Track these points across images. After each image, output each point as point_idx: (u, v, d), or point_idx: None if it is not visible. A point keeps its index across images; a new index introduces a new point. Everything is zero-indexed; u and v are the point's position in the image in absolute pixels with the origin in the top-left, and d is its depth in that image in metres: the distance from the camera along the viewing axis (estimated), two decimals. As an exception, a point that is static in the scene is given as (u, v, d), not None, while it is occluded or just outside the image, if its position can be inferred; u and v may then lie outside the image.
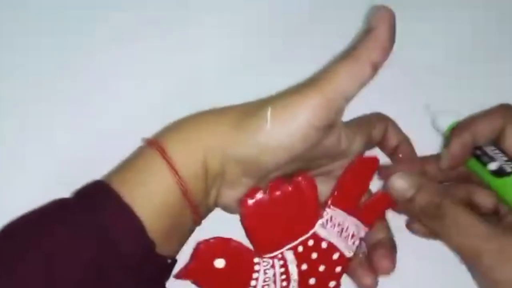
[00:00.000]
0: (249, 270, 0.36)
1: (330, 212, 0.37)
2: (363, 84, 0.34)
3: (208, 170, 0.34)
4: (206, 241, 0.35)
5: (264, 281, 0.36)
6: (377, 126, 0.39)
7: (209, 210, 0.37)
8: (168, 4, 0.44)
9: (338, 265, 0.37)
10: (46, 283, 0.30)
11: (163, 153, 0.33)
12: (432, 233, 0.38)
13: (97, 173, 0.34)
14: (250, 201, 0.35)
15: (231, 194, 0.36)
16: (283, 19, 0.45)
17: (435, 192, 0.36)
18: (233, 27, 0.44)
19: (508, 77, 0.45)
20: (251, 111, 0.35)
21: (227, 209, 0.37)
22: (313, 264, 0.37)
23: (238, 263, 0.36)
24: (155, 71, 0.43)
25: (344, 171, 0.38)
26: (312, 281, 0.37)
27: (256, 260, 0.36)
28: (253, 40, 0.44)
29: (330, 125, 0.35)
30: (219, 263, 0.36)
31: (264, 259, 0.36)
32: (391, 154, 0.40)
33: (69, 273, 0.30)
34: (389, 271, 0.38)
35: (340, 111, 0.35)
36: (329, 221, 0.37)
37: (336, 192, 0.37)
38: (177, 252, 0.36)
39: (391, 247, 0.38)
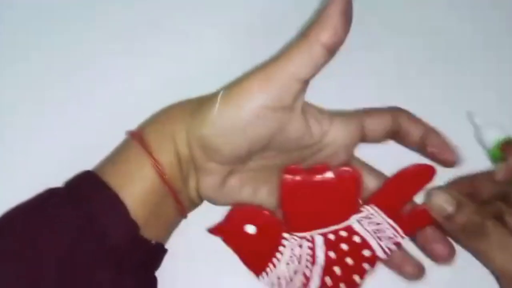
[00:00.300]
0: (277, 242, 0.38)
1: (369, 209, 0.37)
2: (316, 66, 0.33)
3: (180, 156, 0.36)
4: (242, 205, 0.37)
5: (290, 257, 0.37)
6: (372, 117, 0.37)
7: (193, 201, 0.38)
8: (167, 3, 0.45)
9: (367, 262, 0.37)
10: (32, 260, 0.32)
11: (141, 141, 0.35)
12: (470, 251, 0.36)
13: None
14: (289, 177, 0.36)
15: (206, 182, 0.36)
16: (284, 19, 0.44)
17: (475, 211, 0.35)
18: (232, 26, 0.44)
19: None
20: (209, 97, 0.35)
21: (209, 198, 0.38)
22: (341, 255, 0.37)
23: (268, 233, 0.37)
24: (155, 71, 0.44)
25: (395, 174, 0.37)
26: (337, 270, 0.37)
27: (285, 235, 0.37)
28: (253, 40, 0.44)
29: (286, 107, 0.34)
30: (250, 228, 0.37)
31: (294, 237, 0.37)
32: (420, 148, 0.38)
33: (53, 252, 0.33)
34: (451, 258, 0.37)
35: (295, 93, 0.34)
36: (366, 218, 0.37)
37: (380, 192, 0.37)
38: (162, 240, 0.37)
39: (440, 235, 0.37)
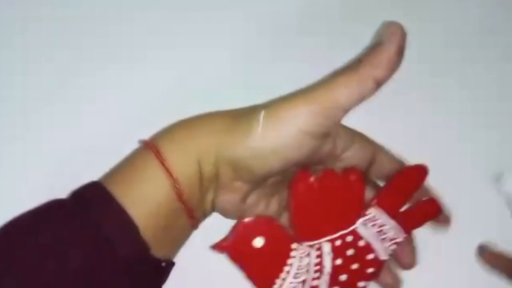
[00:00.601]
0: (286, 254, 0.36)
1: (373, 211, 0.37)
2: (363, 98, 0.33)
3: (203, 173, 0.34)
4: (250, 219, 0.35)
5: (298, 268, 0.36)
6: (384, 152, 0.38)
7: (205, 214, 0.36)
8: (165, 6, 0.45)
9: (371, 266, 0.37)
10: (39, 285, 0.30)
11: (157, 155, 0.33)
12: None
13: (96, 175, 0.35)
14: (301, 185, 0.35)
15: (226, 198, 0.35)
16: (285, 20, 0.45)
17: None
18: (234, 28, 0.45)
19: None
20: (244, 113, 0.34)
21: (223, 213, 0.36)
22: (347, 261, 0.37)
23: (277, 245, 0.36)
24: (151, 74, 0.44)
25: (395, 174, 0.37)
26: (343, 277, 0.37)
27: (293, 246, 0.36)
28: (254, 41, 0.45)
29: (326, 133, 0.34)
30: (258, 242, 0.35)
31: (302, 247, 0.36)
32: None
33: (62, 274, 0.30)
34: (412, 266, 0.38)
35: (336, 121, 0.34)
36: (370, 221, 0.37)
37: (383, 193, 0.37)
38: (173, 255, 0.35)
39: (411, 244, 0.38)
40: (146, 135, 0.36)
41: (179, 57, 0.43)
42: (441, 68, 0.45)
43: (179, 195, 0.33)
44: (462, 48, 0.46)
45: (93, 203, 0.32)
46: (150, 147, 0.33)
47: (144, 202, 0.33)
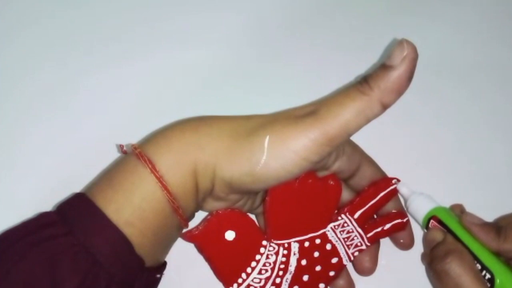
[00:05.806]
0: (255, 250, 0.36)
1: (344, 218, 0.37)
2: (369, 122, 0.33)
3: (199, 188, 0.34)
4: (224, 210, 0.35)
5: (264, 265, 0.36)
6: (370, 164, 0.38)
7: (194, 215, 0.36)
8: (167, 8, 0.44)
9: (333, 269, 0.38)
10: None
11: (153, 169, 0.32)
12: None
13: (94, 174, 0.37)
14: (280, 184, 0.35)
15: (217, 205, 0.35)
16: (282, 20, 0.45)
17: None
18: (226, 28, 0.44)
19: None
20: (246, 135, 0.33)
21: (207, 212, 0.36)
22: (312, 262, 0.37)
23: (247, 240, 0.36)
24: (153, 77, 0.43)
25: (369, 185, 0.38)
26: (305, 278, 0.37)
27: (264, 242, 0.36)
28: (245, 41, 0.44)
29: (326, 157, 0.34)
30: (230, 235, 0.35)
31: (272, 244, 0.36)
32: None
33: None
34: (370, 273, 0.38)
35: (339, 145, 0.33)
36: (340, 226, 0.37)
37: (356, 202, 0.38)
38: (165, 256, 0.35)
39: (374, 252, 0.39)
40: (138, 136, 0.37)
41: (170, 58, 0.43)
42: (441, 69, 0.45)
43: (176, 210, 0.32)
44: (463, 49, 0.45)
45: (84, 223, 0.31)
46: (143, 159, 0.32)
47: (140, 220, 0.32)
